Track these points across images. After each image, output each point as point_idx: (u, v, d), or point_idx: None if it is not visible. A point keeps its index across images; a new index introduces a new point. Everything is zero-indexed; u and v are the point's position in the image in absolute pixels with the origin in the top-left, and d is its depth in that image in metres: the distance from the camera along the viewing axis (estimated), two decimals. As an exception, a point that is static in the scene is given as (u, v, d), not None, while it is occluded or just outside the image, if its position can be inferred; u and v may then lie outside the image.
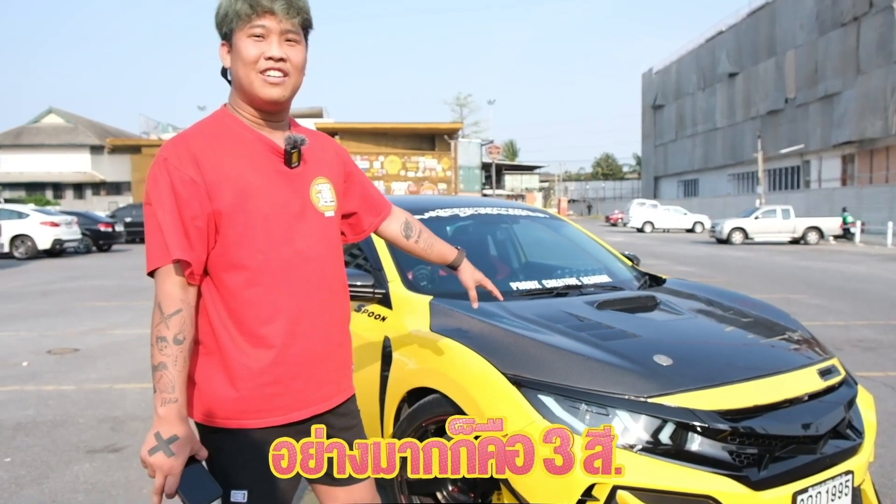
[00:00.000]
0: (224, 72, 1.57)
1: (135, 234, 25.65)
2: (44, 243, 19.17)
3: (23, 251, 19.07)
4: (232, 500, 1.50)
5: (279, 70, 1.48)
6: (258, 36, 1.47)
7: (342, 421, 1.68)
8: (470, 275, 2.11)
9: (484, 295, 2.91)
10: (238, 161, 1.49)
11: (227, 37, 1.51)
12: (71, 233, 20.16)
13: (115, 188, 48.09)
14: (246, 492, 1.51)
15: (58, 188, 48.18)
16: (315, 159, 1.64)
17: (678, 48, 62.75)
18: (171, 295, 1.43)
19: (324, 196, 1.63)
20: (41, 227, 19.23)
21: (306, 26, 1.55)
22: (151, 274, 1.46)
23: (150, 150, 42.07)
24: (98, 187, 48.71)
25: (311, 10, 1.55)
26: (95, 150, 48.20)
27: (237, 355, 1.49)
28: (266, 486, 1.52)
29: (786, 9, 42.91)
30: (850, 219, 27.44)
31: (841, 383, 2.54)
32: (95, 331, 7.76)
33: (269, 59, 1.47)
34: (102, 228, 22.48)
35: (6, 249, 18.71)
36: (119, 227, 23.34)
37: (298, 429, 1.56)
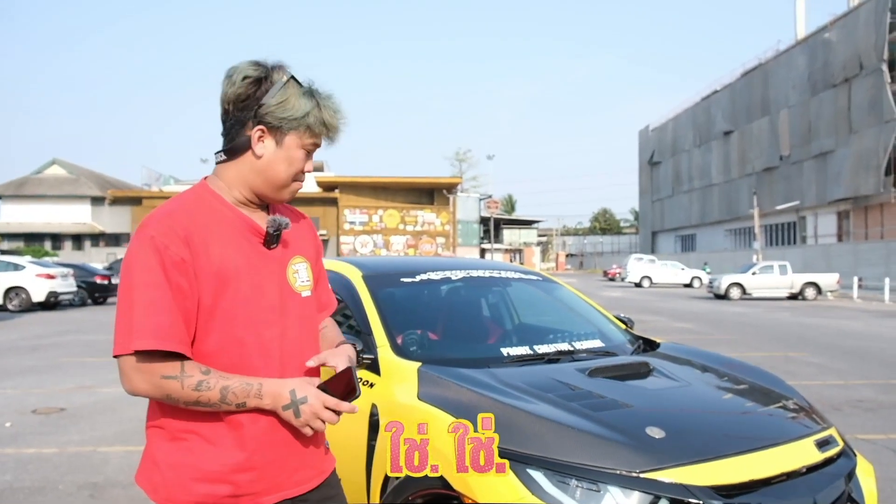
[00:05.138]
0: (235, 149, 1.48)
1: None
2: (38, 296, 19.06)
3: (17, 304, 18.97)
4: None
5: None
6: (310, 151, 1.52)
7: (318, 494, 1.61)
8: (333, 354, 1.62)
9: (475, 362, 2.88)
10: (220, 242, 1.46)
11: (271, 126, 1.46)
12: (66, 285, 20.06)
13: (115, 240, 48.17)
14: None
15: (56, 239, 48.24)
16: (294, 237, 1.62)
17: (674, 107, 64.16)
18: (165, 368, 1.37)
19: (300, 276, 1.61)
20: (36, 279, 19.15)
21: None
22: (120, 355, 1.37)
23: (150, 202, 42.30)
24: (97, 238, 48.79)
25: None
26: (96, 201, 48.48)
27: (206, 443, 1.45)
28: None
29: (778, 70, 44.00)
30: (708, 270, 34.60)
31: (839, 454, 2.47)
32: (83, 388, 7.63)
33: (301, 171, 1.53)
34: (98, 281, 22.44)
35: (0, 302, 18.60)
36: (115, 280, 23.25)
37: None
